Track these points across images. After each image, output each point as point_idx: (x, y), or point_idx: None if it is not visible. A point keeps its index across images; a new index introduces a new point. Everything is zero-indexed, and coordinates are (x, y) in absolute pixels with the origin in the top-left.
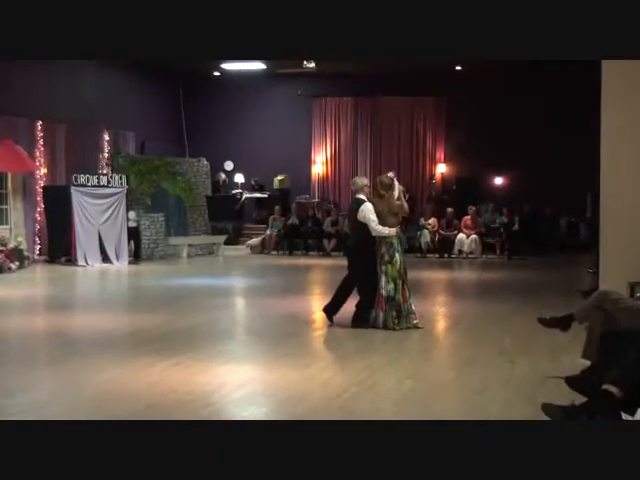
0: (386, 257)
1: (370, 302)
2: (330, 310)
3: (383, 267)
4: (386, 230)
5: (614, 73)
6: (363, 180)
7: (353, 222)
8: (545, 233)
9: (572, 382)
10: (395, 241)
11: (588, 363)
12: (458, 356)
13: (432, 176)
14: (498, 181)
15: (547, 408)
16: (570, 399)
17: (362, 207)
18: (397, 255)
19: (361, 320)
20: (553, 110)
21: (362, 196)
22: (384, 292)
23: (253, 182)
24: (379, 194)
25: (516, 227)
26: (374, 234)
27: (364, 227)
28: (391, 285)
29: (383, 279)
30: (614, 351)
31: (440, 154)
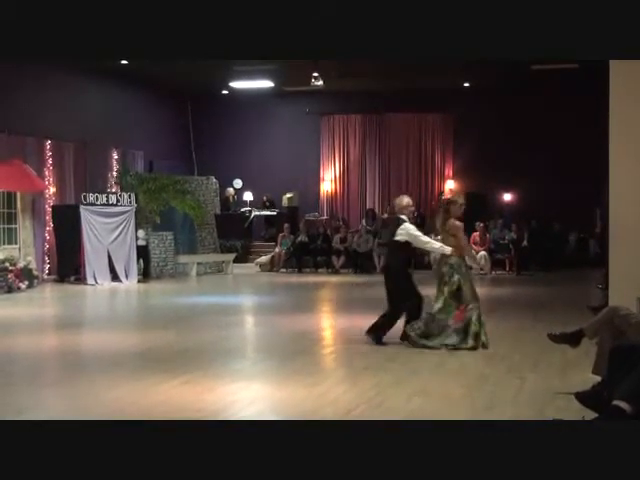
0: (445, 277)
1: (410, 317)
2: (375, 332)
3: (441, 286)
4: (437, 244)
5: (622, 87)
6: (403, 200)
7: (390, 242)
8: (554, 249)
9: (582, 398)
10: (455, 261)
11: (598, 379)
12: (467, 373)
13: (441, 192)
14: (507, 197)
15: None
16: (580, 415)
17: (402, 227)
18: (456, 276)
19: (376, 331)
20: (561, 125)
21: (404, 217)
22: (433, 308)
23: (265, 198)
24: (446, 210)
25: (525, 243)
26: (427, 248)
27: (402, 246)
28: (439, 304)
29: (438, 298)
30: (624, 367)
31: (448, 170)
